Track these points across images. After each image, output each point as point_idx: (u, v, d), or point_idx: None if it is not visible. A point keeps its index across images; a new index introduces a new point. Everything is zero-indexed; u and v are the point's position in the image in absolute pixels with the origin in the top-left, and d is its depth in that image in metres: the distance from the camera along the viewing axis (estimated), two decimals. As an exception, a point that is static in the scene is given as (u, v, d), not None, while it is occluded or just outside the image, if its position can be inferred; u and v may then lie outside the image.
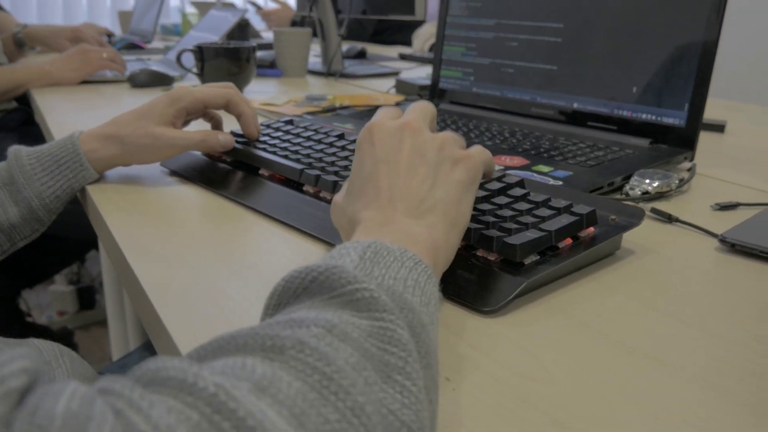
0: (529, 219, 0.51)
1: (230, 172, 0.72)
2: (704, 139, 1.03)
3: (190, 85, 0.74)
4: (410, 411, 0.27)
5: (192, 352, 0.27)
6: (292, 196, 0.64)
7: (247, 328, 0.27)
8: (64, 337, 1.95)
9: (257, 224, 0.61)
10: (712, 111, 1.27)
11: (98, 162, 0.69)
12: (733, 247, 0.57)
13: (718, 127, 1.10)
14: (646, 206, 0.66)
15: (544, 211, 0.52)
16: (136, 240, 0.57)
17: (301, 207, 0.62)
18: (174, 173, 0.76)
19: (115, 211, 0.64)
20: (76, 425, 0.18)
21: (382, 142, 0.45)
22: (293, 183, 0.67)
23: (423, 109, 0.49)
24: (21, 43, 1.77)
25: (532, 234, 0.48)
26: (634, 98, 0.86)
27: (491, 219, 0.51)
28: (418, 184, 0.43)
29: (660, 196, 0.70)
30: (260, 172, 0.70)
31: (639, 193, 0.69)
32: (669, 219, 0.63)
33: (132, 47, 2.00)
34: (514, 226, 0.50)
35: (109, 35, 2.16)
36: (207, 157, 0.77)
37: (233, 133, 0.77)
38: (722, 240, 0.57)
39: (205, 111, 0.75)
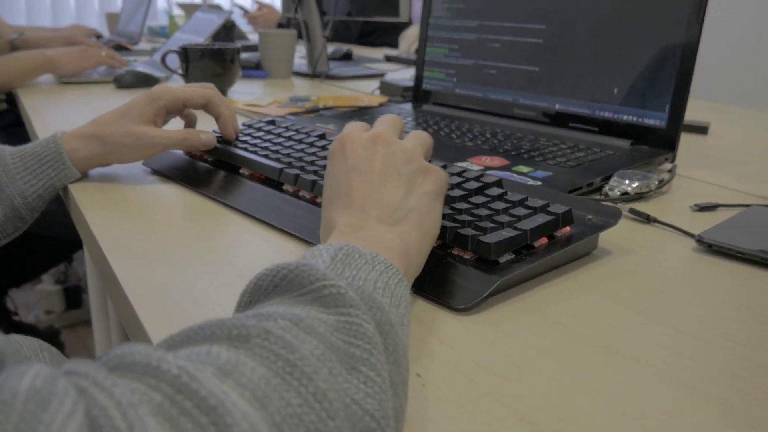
0: (505, 218, 0.51)
1: (211, 171, 0.72)
2: (687, 140, 1.03)
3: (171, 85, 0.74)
4: (374, 400, 0.27)
5: (161, 342, 0.28)
6: (271, 195, 0.64)
7: (215, 319, 0.28)
8: (50, 336, 1.94)
9: (237, 223, 0.61)
10: (695, 113, 1.28)
11: (80, 161, 0.69)
12: (710, 247, 0.57)
13: (701, 129, 1.11)
14: (625, 207, 0.66)
15: (520, 211, 0.53)
16: (117, 238, 0.57)
17: (280, 206, 0.62)
18: (156, 172, 0.76)
19: (96, 209, 0.64)
20: (38, 400, 0.19)
21: (354, 152, 0.46)
22: (273, 182, 0.67)
23: (392, 121, 0.50)
24: (17, 49, 1.78)
25: (507, 233, 0.48)
26: (616, 99, 0.86)
27: (467, 218, 0.51)
28: (390, 192, 0.44)
29: (639, 196, 0.70)
30: (241, 171, 0.70)
31: (618, 193, 0.69)
32: (647, 219, 0.64)
33: (119, 48, 2.00)
34: (490, 225, 0.50)
35: (98, 36, 2.16)
36: (188, 156, 0.77)
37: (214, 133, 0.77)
38: (699, 240, 0.57)
39: (182, 111, 0.75)
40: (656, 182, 0.71)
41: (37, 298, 2.20)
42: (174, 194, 0.69)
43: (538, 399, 0.36)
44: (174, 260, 0.53)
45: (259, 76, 1.57)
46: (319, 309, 0.30)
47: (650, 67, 0.83)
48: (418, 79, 1.11)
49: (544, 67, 0.93)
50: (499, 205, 0.54)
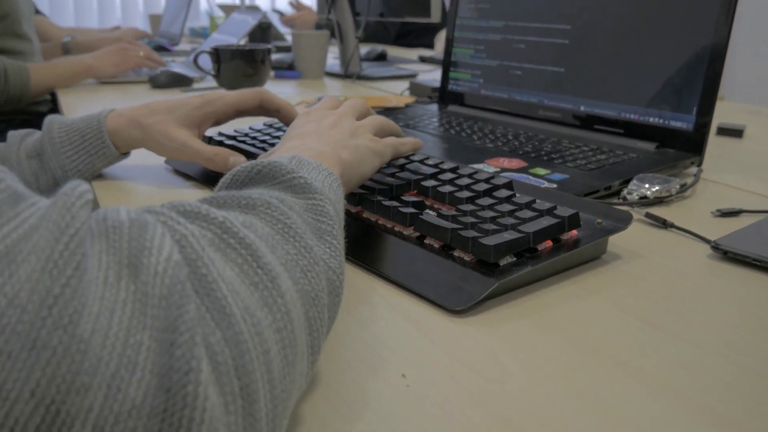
0: (509, 220, 0.50)
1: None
2: (720, 143, 1.01)
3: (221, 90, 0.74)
4: (335, 261, 0.36)
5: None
6: (283, 195, 0.65)
7: (222, 192, 0.35)
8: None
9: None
10: (732, 115, 1.24)
11: (122, 141, 0.70)
12: (726, 254, 0.55)
13: (736, 132, 1.08)
14: (642, 211, 0.65)
15: (526, 213, 0.52)
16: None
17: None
18: (177, 171, 0.77)
19: (112, 204, 0.65)
20: (138, 226, 0.24)
21: (315, 115, 0.58)
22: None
23: (353, 104, 0.62)
24: (69, 52, 1.83)
25: (509, 235, 0.48)
26: (642, 101, 0.84)
27: (471, 219, 0.50)
28: (335, 133, 0.54)
29: (659, 201, 0.68)
30: (256, 170, 0.71)
31: (636, 197, 0.68)
32: (664, 224, 0.62)
33: (159, 49, 2.04)
34: (493, 227, 0.49)
35: (149, 37, 2.22)
36: (208, 156, 0.77)
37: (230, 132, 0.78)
38: (714, 247, 0.56)
39: (234, 116, 0.74)
40: (678, 186, 0.70)
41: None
42: (190, 193, 0.70)
43: (523, 403, 0.35)
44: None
45: (291, 77, 1.59)
46: (291, 195, 0.37)
47: (677, 68, 0.81)
48: (444, 80, 1.10)
49: (569, 68, 0.92)
50: (506, 207, 0.53)
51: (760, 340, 0.42)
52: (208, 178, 0.72)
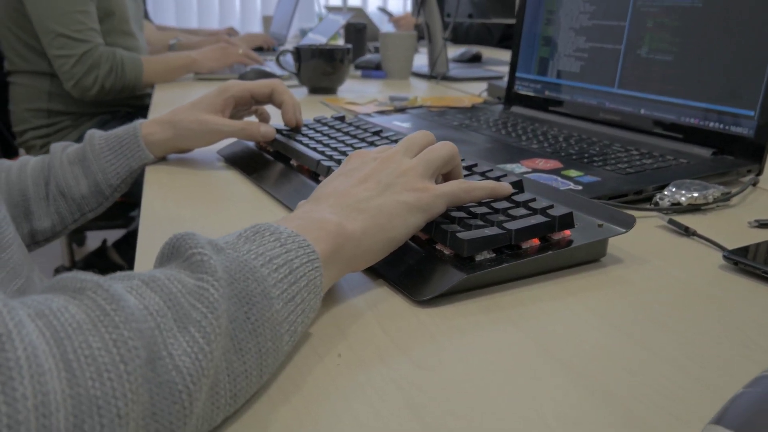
0: (499, 217, 0.50)
1: (269, 161, 0.77)
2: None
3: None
4: (189, 359, 0.30)
5: (42, 287, 0.32)
6: (308, 186, 0.67)
7: (74, 273, 0.31)
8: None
9: (270, 210, 0.65)
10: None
11: (155, 144, 0.77)
12: (737, 264, 0.52)
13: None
14: (666, 217, 0.62)
15: (519, 211, 0.52)
16: (156, 212, 0.63)
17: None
18: (226, 160, 0.82)
19: (156, 186, 0.71)
20: None
21: (354, 162, 0.51)
22: (316, 174, 0.70)
23: (410, 142, 0.52)
24: None
25: (489, 231, 0.48)
26: (702, 105, 0.80)
27: (460, 214, 0.51)
28: (359, 191, 0.46)
29: (695, 208, 0.65)
30: (291, 162, 0.74)
31: (668, 203, 0.65)
32: (686, 232, 0.59)
33: (261, 49, 2.14)
34: (480, 223, 0.49)
35: (230, 34, 2.34)
36: (256, 148, 0.82)
37: (281, 126, 0.82)
38: (726, 257, 0.53)
39: (252, 103, 0.82)
40: (718, 194, 0.66)
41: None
42: (229, 180, 0.74)
43: (443, 394, 0.35)
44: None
45: (377, 77, 1.62)
46: (188, 273, 0.34)
47: (740, 71, 0.76)
48: (511, 81, 1.10)
49: (630, 71, 0.89)
50: (502, 204, 0.53)
51: (730, 353, 0.40)
52: (245, 166, 0.77)
